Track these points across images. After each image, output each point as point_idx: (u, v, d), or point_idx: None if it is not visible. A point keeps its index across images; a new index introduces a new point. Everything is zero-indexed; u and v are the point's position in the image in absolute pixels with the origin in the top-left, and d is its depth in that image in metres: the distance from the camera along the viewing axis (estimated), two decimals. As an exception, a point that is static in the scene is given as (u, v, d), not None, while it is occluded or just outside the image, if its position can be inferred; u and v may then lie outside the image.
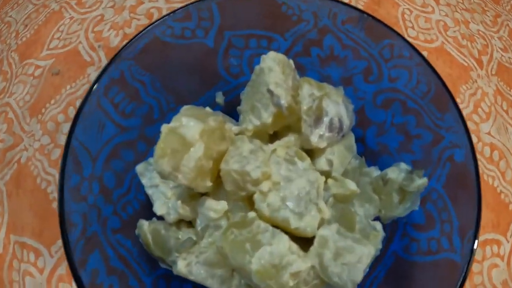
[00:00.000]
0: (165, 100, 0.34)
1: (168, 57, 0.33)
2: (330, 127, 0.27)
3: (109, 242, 0.29)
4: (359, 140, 0.33)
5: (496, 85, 0.43)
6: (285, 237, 0.23)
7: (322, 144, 0.27)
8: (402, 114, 0.33)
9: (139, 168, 0.30)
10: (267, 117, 0.26)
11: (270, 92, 0.25)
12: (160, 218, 0.29)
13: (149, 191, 0.29)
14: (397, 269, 0.30)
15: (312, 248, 0.23)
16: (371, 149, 0.34)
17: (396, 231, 0.31)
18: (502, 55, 0.46)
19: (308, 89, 0.27)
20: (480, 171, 0.37)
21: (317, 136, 0.27)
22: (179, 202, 0.27)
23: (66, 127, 0.39)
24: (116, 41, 0.43)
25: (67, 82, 0.41)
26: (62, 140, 0.38)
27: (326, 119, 0.27)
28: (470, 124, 0.40)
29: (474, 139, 0.39)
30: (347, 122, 0.28)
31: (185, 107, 0.26)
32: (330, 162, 0.28)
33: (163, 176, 0.24)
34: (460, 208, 0.28)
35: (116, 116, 0.31)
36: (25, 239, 0.35)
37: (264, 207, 0.24)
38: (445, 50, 0.43)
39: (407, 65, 0.31)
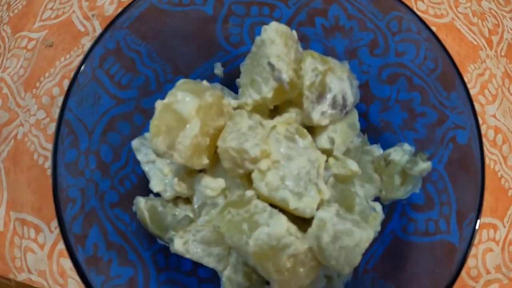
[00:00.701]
0: (162, 70, 0.33)
1: (165, 26, 0.32)
2: (333, 104, 0.26)
3: (107, 217, 0.29)
4: (362, 116, 0.33)
5: (504, 67, 0.42)
6: (283, 218, 0.23)
7: (324, 122, 0.26)
8: (408, 90, 0.32)
9: (135, 143, 0.29)
10: (268, 91, 0.25)
11: (271, 65, 0.24)
12: (157, 194, 0.29)
13: (145, 168, 0.29)
14: (394, 248, 0.30)
15: (310, 230, 0.23)
16: (373, 125, 0.33)
17: (395, 210, 0.31)
18: (513, 36, 0.44)
19: (311, 63, 0.26)
20: (483, 154, 0.37)
21: (319, 113, 0.26)
22: (176, 179, 0.26)
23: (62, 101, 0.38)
24: (110, 9, 0.41)
25: (61, 54, 0.40)
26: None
27: (329, 96, 0.26)
28: (475, 106, 0.39)
29: (479, 120, 0.39)
30: (351, 99, 0.27)
31: (181, 81, 0.25)
32: (331, 140, 0.27)
33: (159, 155, 0.24)
34: (460, 191, 0.27)
35: (112, 87, 0.30)
36: (25, 216, 0.35)
37: (262, 186, 0.23)
38: (455, 26, 0.42)
39: (415, 39, 0.30)
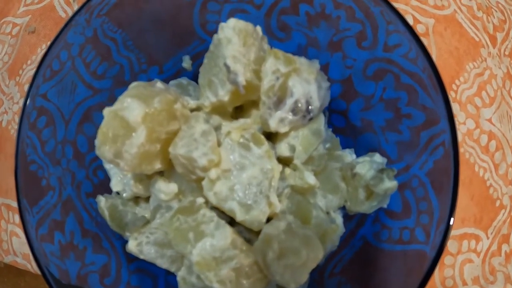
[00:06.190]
0: (137, 60, 0.32)
1: (141, 12, 0.31)
2: (294, 110, 0.24)
3: (83, 205, 0.29)
4: (341, 114, 0.31)
5: (507, 68, 0.38)
6: (228, 231, 0.22)
7: (283, 129, 0.24)
8: (395, 89, 0.29)
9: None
10: (224, 94, 0.23)
11: (227, 67, 0.22)
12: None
13: (107, 167, 0.28)
14: (364, 254, 0.29)
15: (256, 244, 0.22)
16: (353, 124, 0.31)
17: (368, 216, 0.29)
18: (520, 35, 0.40)
19: (273, 64, 0.23)
20: (472, 161, 0.35)
21: (277, 120, 0.24)
22: (132, 181, 0.26)
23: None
24: (91, -8, 0.40)
25: (43, 40, 0.40)
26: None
27: (289, 101, 0.24)
28: (470, 108, 0.36)
29: (472, 124, 0.36)
30: (316, 104, 0.25)
31: (133, 84, 0.24)
32: (292, 148, 0.25)
33: (108, 162, 0.23)
34: (444, 200, 0.25)
35: (87, 76, 0.30)
36: (9, 201, 0.36)
37: (211, 195, 0.22)
38: (456, 20, 0.38)
39: (405, 36, 0.27)
